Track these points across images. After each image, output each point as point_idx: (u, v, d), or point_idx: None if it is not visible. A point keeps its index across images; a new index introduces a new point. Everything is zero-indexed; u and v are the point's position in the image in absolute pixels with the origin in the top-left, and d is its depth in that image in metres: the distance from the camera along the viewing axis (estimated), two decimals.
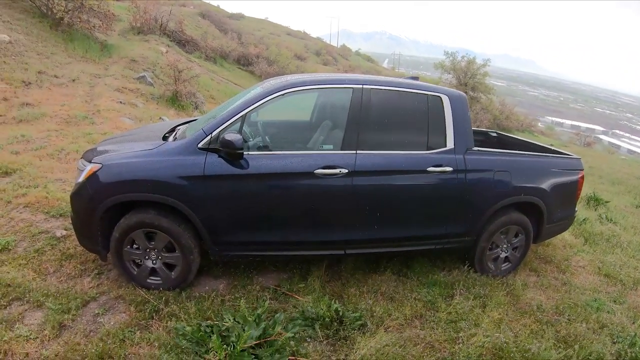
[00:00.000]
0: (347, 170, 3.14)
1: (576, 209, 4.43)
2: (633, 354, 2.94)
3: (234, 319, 2.67)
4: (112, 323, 2.97)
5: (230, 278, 3.53)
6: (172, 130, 3.71)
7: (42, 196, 4.56)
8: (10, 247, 3.73)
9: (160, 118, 9.02)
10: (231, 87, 17.29)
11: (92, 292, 3.26)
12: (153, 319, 2.96)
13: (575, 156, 4.39)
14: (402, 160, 3.35)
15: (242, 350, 2.35)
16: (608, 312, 3.71)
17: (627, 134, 75.40)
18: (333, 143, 3.29)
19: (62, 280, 3.41)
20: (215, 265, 3.61)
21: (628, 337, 3.19)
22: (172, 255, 3.17)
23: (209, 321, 2.77)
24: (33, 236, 3.95)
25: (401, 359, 2.59)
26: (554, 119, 66.74)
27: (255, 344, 2.42)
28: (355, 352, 2.61)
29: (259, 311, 2.67)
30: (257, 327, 2.50)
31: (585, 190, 8.37)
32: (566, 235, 5.39)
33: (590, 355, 2.97)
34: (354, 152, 3.21)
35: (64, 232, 4.04)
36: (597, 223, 6.43)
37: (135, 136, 3.78)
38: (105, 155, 3.16)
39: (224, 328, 2.58)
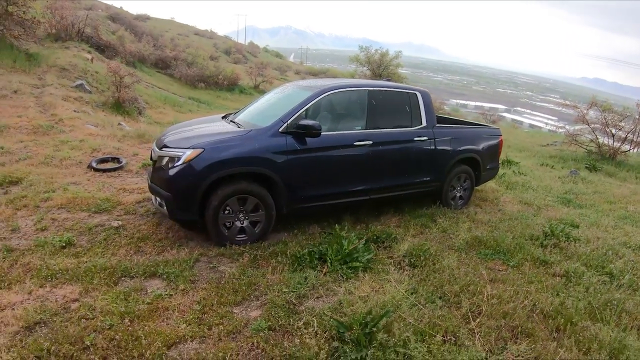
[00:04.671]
0: (371, 142, 5.27)
1: (499, 162, 7.08)
2: (550, 230, 5.46)
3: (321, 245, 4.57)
4: (230, 270, 3.88)
5: (289, 230, 5.07)
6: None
7: (69, 197, 5.15)
8: (73, 242, 4.22)
9: (119, 124, 10.15)
10: (158, 92, 18.19)
11: (194, 255, 4.12)
12: (258, 260, 4.17)
13: (495, 127, 7.09)
14: (400, 134, 5.65)
15: (348, 253, 4.28)
16: (531, 219, 6.36)
17: (528, 110, 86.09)
18: (360, 125, 5.35)
19: (151, 256, 4.09)
20: (275, 225, 4.86)
21: (546, 225, 5.74)
22: (257, 214, 4.61)
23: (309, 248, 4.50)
24: (89, 229, 4.50)
25: (426, 246, 4.75)
26: (458, 101, 74.52)
27: (351, 249, 4.33)
28: (399, 250, 4.69)
29: (343, 233, 4.70)
30: (346, 239, 4.49)
31: (500, 157, 11.47)
32: (493, 185, 8.17)
33: (528, 234, 5.54)
34: (373, 130, 5.35)
35: (120, 223, 4.72)
36: (513, 176, 9.42)
37: (193, 128, 5.15)
38: (200, 141, 4.40)
39: (322, 248, 4.41)
